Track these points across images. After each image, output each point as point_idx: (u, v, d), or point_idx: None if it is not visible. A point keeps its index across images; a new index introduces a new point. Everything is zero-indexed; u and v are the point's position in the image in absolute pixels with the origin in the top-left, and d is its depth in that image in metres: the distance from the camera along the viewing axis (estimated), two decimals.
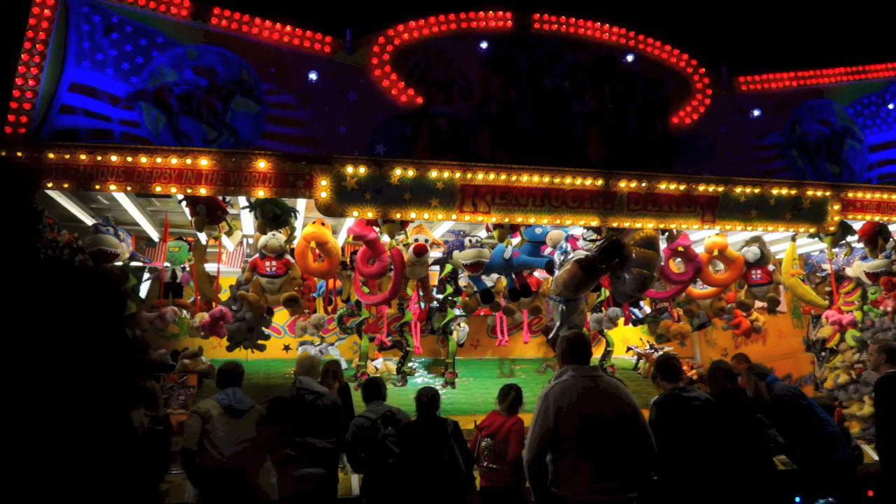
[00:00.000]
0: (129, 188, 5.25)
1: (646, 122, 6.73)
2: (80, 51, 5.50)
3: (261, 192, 5.40)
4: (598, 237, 6.46)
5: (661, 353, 8.47)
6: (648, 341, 9.49)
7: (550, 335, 6.27)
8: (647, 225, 6.11)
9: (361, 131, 5.94)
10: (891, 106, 7.66)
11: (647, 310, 8.65)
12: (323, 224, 6.25)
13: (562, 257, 6.50)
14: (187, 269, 7.10)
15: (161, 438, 4.95)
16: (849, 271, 7.83)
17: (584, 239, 6.76)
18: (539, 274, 7.62)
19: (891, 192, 6.88)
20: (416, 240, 6.51)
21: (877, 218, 6.87)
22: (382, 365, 8.58)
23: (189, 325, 6.84)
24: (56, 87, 5.42)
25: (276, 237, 6.19)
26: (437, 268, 7.67)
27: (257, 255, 6.33)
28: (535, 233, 6.79)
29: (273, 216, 5.90)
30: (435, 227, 7.35)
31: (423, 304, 7.71)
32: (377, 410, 5.29)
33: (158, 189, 5.25)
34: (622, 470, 3.72)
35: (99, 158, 5.11)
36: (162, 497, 5.20)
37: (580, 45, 6.64)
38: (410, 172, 5.56)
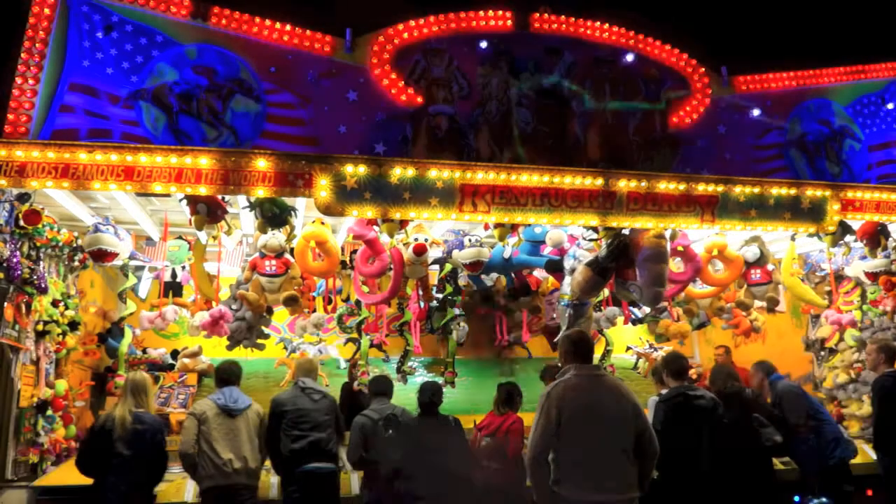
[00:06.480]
0: (128, 187, 5.24)
1: (645, 121, 6.73)
2: (80, 50, 5.50)
3: (260, 192, 5.39)
4: (598, 237, 6.46)
5: (661, 352, 8.49)
6: (648, 341, 9.49)
7: (556, 338, 6.28)
8: (646, 224, 6.12)
9: (361, 131, 5.94)
10: (890, 105, 7.66)
11: (647, 309, 8.64)
12: (323, 223, 6.25)
13: (573, 261, 6.49)
14: (187, 268, 7.11)
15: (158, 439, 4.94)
16: (848, 271, 7.83)
17: (584, 238, 6.77)
18: (539, 274, 7.61)
19: (890, 192, 6.88)
20: (416, 239, 6.50)
21: (876, 218, 6.87)
22: None
23: (189, 325, 6.84)
24: (56, 87, 5.42)
25: (276, 236, 6.19)
26: (436, 267, 7.66)
27: (257, 254, 6.33)
28: (535, 232, 6.79)
29: (273, 215, 5.90)
30: (435, 226, 7.35)
31: (422, 304, 7.71)
32: (381, 410, 5.28)
33: (158, 188, 5.24)
34: (624, 469, 3.73)
35: (99, 158, 5.10)
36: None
37: (580, 45, 6.65)
38: (410, 172, 5.56)
